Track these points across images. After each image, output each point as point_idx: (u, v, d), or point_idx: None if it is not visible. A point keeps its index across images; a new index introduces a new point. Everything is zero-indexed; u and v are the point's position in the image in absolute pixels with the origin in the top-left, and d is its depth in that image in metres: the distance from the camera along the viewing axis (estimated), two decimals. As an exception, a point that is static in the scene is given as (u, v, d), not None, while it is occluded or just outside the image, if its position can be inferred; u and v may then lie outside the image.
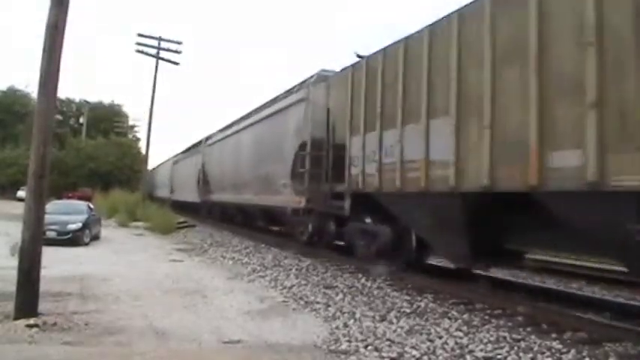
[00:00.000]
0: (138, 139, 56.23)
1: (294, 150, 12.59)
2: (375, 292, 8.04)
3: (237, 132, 19.29)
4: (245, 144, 17.84)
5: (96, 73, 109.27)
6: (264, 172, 15.30)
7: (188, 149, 32.11)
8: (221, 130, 22.97)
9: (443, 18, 7.61)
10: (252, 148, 16.85)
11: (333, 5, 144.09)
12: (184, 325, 5.89)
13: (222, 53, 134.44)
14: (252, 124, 17.37)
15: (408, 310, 6.82)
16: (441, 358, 4.93)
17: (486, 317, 6.47)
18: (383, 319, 6.36)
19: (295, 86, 14.50)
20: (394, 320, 6.28)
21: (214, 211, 24.31)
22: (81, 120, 56.83)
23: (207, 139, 25.09)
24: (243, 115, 19.67)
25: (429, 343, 5.33)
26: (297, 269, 10.48)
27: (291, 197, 12.75)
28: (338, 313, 6.62)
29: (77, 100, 60.18)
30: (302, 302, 7.34)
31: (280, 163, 13.69)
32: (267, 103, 16.85)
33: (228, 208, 21.74)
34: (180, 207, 31.50)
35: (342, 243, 11.87)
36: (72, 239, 13.89)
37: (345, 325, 6.02)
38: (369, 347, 5.17)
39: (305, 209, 12.13)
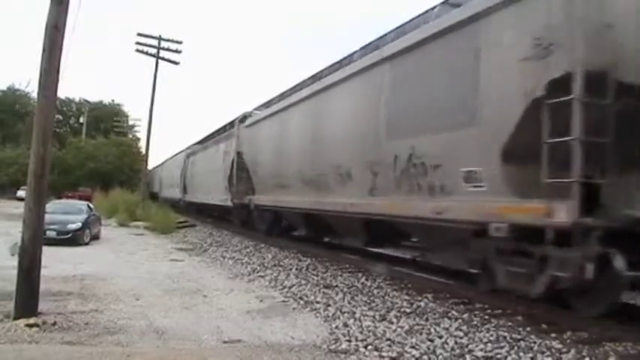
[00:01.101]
0: (138, 139, 56.26)
1: (525, 98, 5.96)
2: (375, 292, 8.04)
3: (316, 93, 11.73)
4: (341, 108, 10.53)
5: (96, 73, 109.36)
6: (399, 152, 8.27)
7: (210, 136, 25.76)
8: (273, 102, 16.08)
9: None
10: (362, 112, 9.57)
11: (333, 2, 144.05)
12: (184, 325, 5.89)
13: (222, 52, 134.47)
14: (365, 70, 9.62)
15: (407, 310, 6.83)
16: (440, 357, 4.93)
17: (486, 317, 6.47)
18: (383, 318, 6.36)
19: None
20: (394, 320, 6.28)
21: (259, 220, 16.66)
22: (81, 120, 56.76)
23: (244, 117, 18.06)
24: (332, 64, 12.51)
25: (428, 343, 5.33)
26: (296, 269, 10.49)
27: (503, 200, 6.38)
28: (338, 313, 6.62)
29: (77, 99, 60.31)
30: (302, 302, 7.34)
31: (463, 129, 7.00)
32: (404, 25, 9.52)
33: (289, 217, 14.55)
34: (198, 211, 26.66)
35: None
36: (72, 239, 13.87)
37: (345, 325, 6.02)
38: (369, 347, 5.17)
39: (577, 228, 5.44)
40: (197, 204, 25.83)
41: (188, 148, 30.64)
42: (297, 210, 13.14)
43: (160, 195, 37.97)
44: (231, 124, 20.05)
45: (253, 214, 16.88)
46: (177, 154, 34.78)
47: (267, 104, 16.64)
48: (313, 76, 13.42)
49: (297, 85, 14.30)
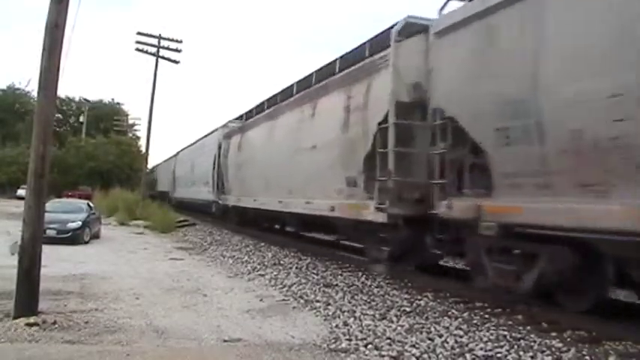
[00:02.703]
0: (138, 138, 56.26)
1: None
2: (375, 291, 8.04)
3: None
4: None
5: (96, 72, 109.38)
6: None
7: (279, 96, 15.07)
8: None
9: None
10: None
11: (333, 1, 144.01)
12: (184, 324, 5.89)
13: (221, 51, 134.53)
14: None
15: (408, 309, 6.83)
16: (441, 356, 4.94)
17: (486, 316, 6.47)
18: (383, 317, 6.36)
19: None
20: (394, 319, 6.28)
21: (510, 264, 6.42)
22: (81, 119, 56.72)
23: (410, 25, 8.42)
24: None
25: (429, 342, 5.33)
26: (296, 268, 10.49)
27: None
28: (338, 312, 6.62)
29: (77, 98, 60.27)
30: (302, 301, 7.34)
31: None
32: None
33: None
34: (240, 218, 18.10)
35: None
36: (72, 238, 13.87)
37: (345, 324, 6.02)
38: (369, 346, 5.17)
39: None
40: (254, 211, 16.22)
41: (224, 125, 20.43)
42: None
43: (174, 196, 30.90)
44: (359, 50, 10.24)
45: (475, 243, 7.07)
46: (202, 138, 24.84)
47: None
48: None
49: None
